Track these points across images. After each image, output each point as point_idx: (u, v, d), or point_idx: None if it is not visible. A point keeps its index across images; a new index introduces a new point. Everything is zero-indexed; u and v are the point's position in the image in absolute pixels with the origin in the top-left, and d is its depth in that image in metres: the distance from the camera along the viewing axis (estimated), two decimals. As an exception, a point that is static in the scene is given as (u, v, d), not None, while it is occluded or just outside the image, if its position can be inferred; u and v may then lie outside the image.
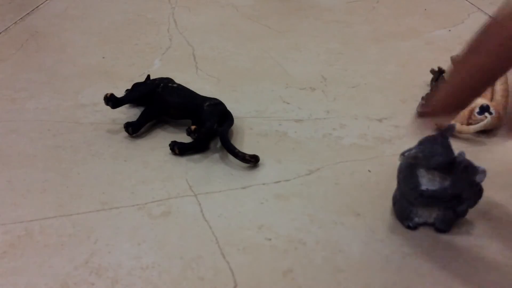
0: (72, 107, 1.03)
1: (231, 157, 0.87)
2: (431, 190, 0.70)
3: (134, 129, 0.93)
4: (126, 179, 0.84)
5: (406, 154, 0.70)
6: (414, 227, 0.74)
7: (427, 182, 0.70)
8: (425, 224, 0.74)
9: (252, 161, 0.86)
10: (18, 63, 1.20)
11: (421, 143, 0.70)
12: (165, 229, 0.73)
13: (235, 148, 0.86)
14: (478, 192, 0.73)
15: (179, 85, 1.00)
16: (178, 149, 0.89)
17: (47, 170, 0.85)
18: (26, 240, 0.71)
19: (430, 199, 0.71)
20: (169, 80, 1.02)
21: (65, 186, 0.82)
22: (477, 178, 0.71)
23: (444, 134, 0.70)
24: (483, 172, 0.70)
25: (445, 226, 0.73)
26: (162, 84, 0.99)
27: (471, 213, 0.74)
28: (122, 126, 0.94)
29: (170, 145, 0.89)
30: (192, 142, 0.90)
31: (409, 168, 0.72)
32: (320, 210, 0.78)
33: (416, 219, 0.74)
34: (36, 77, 1.14)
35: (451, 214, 0.73)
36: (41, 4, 1.55)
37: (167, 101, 0.95)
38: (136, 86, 1.03)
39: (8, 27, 1.38)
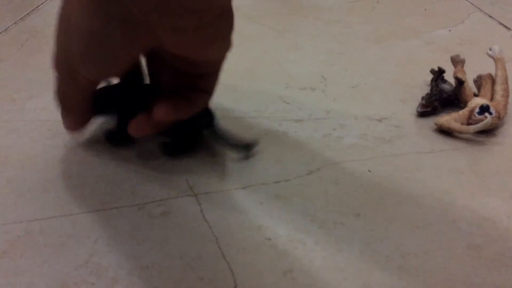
0: (72, 107, 1.03)
1: (231, 157, 0.87)
2: None
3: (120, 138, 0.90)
4: (126, 179, 0.84)
5: None
6: None
7: None
8: None
9: (248, 148, 0.86)
10: (18, 63, 1.20)
11: None
12: (165, 229, 0.73)
13: (230, 140, 0.86)
14: None
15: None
16: (167, 151, 0.87)
17: (47, 170, 0.85)
18: (26, 240, 0.71)
19: None
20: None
21: (65, 186, 0.82)
22: None
23: None
24: None
25: None
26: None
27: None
28: (122, 126, 0.94)
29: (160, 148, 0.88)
30: (180, 142, 0.88)
31: None
32: (320, 210, 0.78)
33: None
34: (36, 77, 1.14)
35: None
36: (41, 4, 1.55)
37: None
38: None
39: (8, 27, 1.38)
